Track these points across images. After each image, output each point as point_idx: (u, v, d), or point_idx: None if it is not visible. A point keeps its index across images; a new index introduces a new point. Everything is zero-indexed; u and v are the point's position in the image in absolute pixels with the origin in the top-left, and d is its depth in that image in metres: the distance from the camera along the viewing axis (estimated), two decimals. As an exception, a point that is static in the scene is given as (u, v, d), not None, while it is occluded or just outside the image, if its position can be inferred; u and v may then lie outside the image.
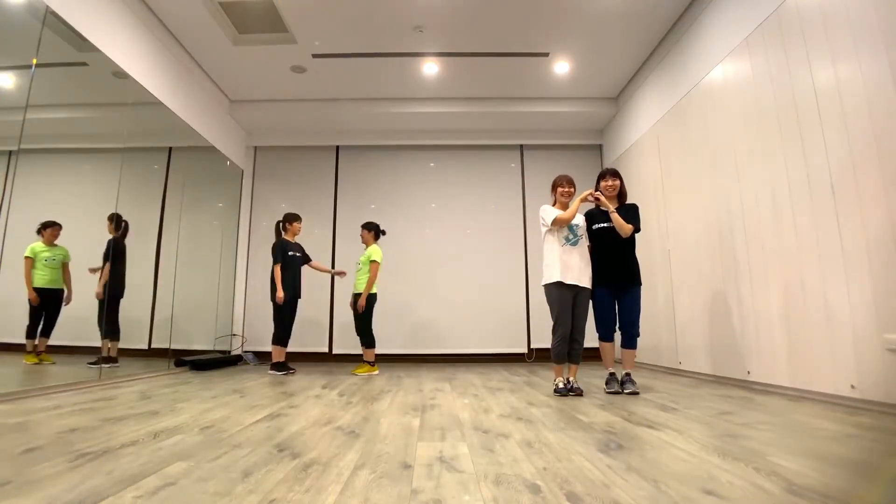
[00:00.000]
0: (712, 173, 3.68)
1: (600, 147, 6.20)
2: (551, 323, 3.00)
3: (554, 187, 3.16)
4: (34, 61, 2.89)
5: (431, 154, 6.27)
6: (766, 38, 3.06)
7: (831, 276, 2.55)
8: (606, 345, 3.13)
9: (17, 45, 2.97)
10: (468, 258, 5.98)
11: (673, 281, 4.30)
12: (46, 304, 3.44)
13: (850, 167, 2.44)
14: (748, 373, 3.21)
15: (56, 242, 3.50)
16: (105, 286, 3.70)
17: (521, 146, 6.23)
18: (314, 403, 2.63)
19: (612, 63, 4.95)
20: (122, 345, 3.95)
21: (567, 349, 2.98)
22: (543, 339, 5.70)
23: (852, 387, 2.40)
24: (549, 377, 3.91)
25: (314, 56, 4.78)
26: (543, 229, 3.09)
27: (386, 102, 5.70)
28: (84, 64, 3.55)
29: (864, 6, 2.37)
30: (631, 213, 3.09)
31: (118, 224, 3.86)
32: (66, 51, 3.34)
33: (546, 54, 4.78)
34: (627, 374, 3.02)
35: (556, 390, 2.94)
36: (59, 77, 3.45)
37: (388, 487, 1.24)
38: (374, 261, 4.38)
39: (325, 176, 6.20)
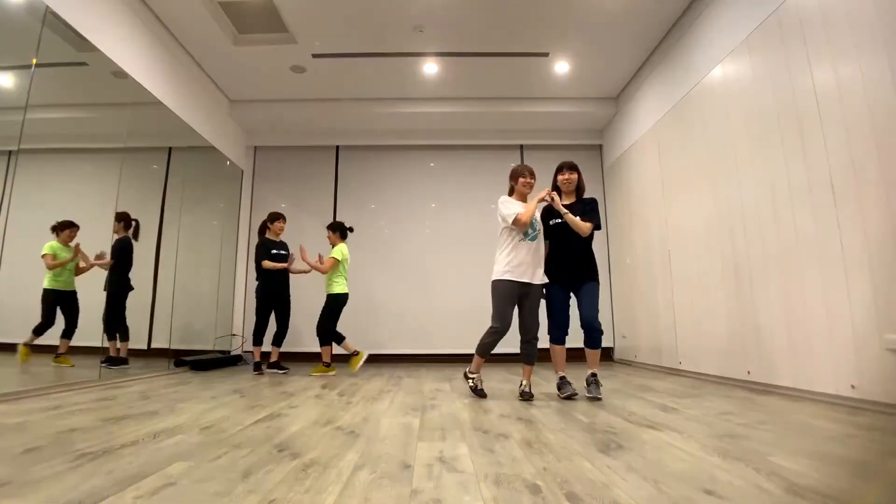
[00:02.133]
0: (712, 173, 3.68)
1: (600, 147, 6.20)
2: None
3: (515, 177, 2.99)
4: (34, 61, 2.89)
5: (431, 154, 6.27)
6: (766, 39, 3.06)
7: (831, 276, 2.55)
8: (558, 348, 2.99)
9: (17, 45, 2.97)
10: (468, 258, 5.97)
11: (673, 281, 4.30)
12: (62, 307, 3.43)
13: (850, 167, 2.44)
14: (748, 373, 3.21)
15: (70, 244, 3.50)
16: (114, 285, 3.70)
17: (521, 146, 6.23)
18: (314, 403, 2.63)
19: (612, 63, 4.95)
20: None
21: (494, 344, 2.99)
22: (543, 339, 5.68)
23: (852, 387, 2.41)
24: (549, 377, 3.91)
25: (314, 56, 4.78)
26: (501, 225, 2.93)
27: (386, 102, 5.70)
28: (84, 64, 3.55)
29: (864, 6, 2.37)
30: (589, 209, 2.92)
31: (128, 223, 3.87)
32: (66, 51, 3.34)
33: (546, 54, 4.78)
34: (593, 375, 2.86)
35: (476, 390, 2.93)
36: (59, 77, 3.45)
37: (388, 487, 1.24)
38: (333, 256, 4.33)
39: (325, 176, 6.20)
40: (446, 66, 4.99)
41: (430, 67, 5.01)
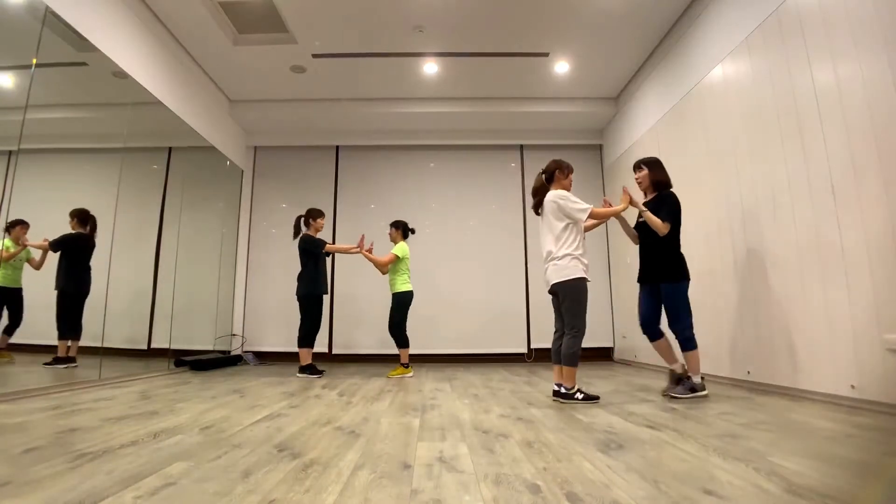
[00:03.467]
0: (712, 173, 3.68)
1: (600, 147, 6.20)
2: (586, 322, 2.73)
3: (567, 172, 2.90)
4: (34, 61, 2.89)
5: (431, 154, 6.27)
6: (766, 39, 3.06)
7: (831, 276, 2.55)
8: (654, 344, 3.02)
9: (17, 45, 2.96)
10: (468, 258, 5.98)
11: (673, 281, 4.29)
12: (8, 303, 3.38)
13: (850, 167, 2.44)
14: (748, 373, 3.21)
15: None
16: (65, 283, 3.63)
17: (521, 146, 6.23)
18: (314, 403, 2.63)
19: (612, 63, 4.95)
20: (123, 345, 3.94)
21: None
22: (543, 339, 5.70)
23: (852, 387, 2.40)
24: (549, 377, 3.91)
25: (314, 56, 4.78)
26: (564, 221, 2.74)
27: (386, 102, 5.70)
28: (84, 64, 3.55)
29: (864, 6, 2.37)
30: (659, 207, 2.91)
31: (83, 220, 3.75)
32: (66, 51, 3.33)
33: (546, 54, 4.78)
34: (684, 374, 2.83)
35: (589, 397, 2.65)
36: (59, 77, 3.44)
37: (388, 487, 1.24)
38: (394, 252, 4.30)
39: (325, 176, 6.20)
40: (446, 66, 4.99)
41: (430, 67, 5.01)
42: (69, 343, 3.70)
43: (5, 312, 3.34)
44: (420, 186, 6.19)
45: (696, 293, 3.91)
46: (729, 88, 3.47)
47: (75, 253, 3.75)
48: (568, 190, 2.88)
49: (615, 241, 5.77)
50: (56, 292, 3.60)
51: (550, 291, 2.85)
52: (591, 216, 2.76)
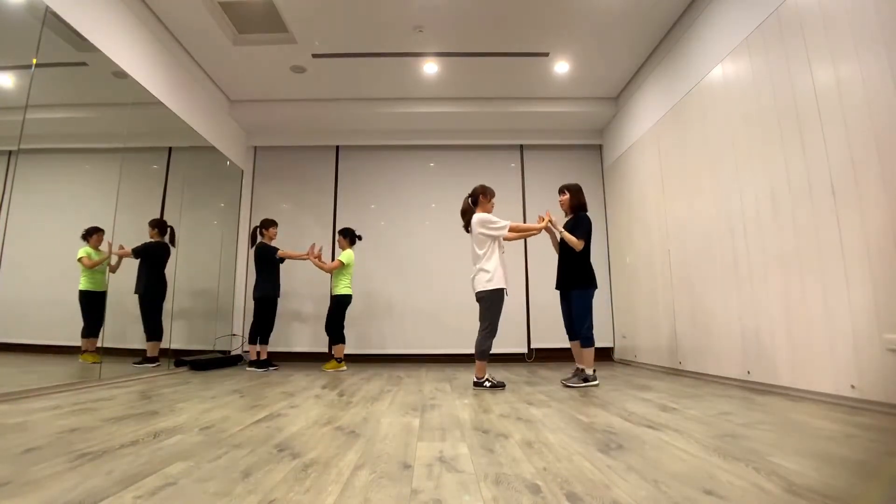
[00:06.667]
0: (712, 173, 3.68)
1: (600, 147, 6.20)
2: (499, 324, 3.37)
3: (490, 197, 3.43)
4: (34, 61, 2.89)
5: (431, 154, 6.27)
6: (766, 39, 3.06)
7: (831, 276, 2.55)
8: (571, 343, 3.49)
9: (17, 45, 2.96)
10: (468, 258, 5.96)
11: (673, 281, 4.30)
12: (95, 306, 3.53)
13: (850, 167, 2.44)
14: (748, 373, 3.21)
15: (101, 247, 3.61)
16: (146, 288, 3.84)
17: (521, 146, 6.23)
18: (314, 403, 2.63)
19: (612, 63, 4.95)
20: (121, 344, 3.96)
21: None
22: (543, 339, 5.71)
23: (852, 387, 2.41)
24: (550, 377, 3.92)
25: (314, 56, 4.78)
26: (487, 242, 3.28)
27: (386, 102, 5.70)
28: (84, 64, 3.55)
29: (864, 6, 2.37)
30: (573, 226, 3.43)
31: (163, 229, 4.16)
32: (66, 51, 3.33)
33: (546, 54, 4.78)
34: (579, 369, 3.38)
35: (496, 384, 3.21)
36: (59, 77, 3.44)
37: (388, 487, 1.24)
38: (339, 259, 4.68)
39: (325, 176, 6.20)
40: (446, 66, 4.99)
41: (430, 67, 5.01)
42: (151, 344, 3.92)
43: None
44: (420, 186, 6.19)
45: (696, 293, 3.92)
46: (729, 88, 3.47)
47: (154, 260, 3.93)
48: (490, 212, 3.38)
49: (616, 243, 5.78)
50: (137, 296, 3.80)
51: (477, 298, 3.40)
52: (511, 230, 3.32)
